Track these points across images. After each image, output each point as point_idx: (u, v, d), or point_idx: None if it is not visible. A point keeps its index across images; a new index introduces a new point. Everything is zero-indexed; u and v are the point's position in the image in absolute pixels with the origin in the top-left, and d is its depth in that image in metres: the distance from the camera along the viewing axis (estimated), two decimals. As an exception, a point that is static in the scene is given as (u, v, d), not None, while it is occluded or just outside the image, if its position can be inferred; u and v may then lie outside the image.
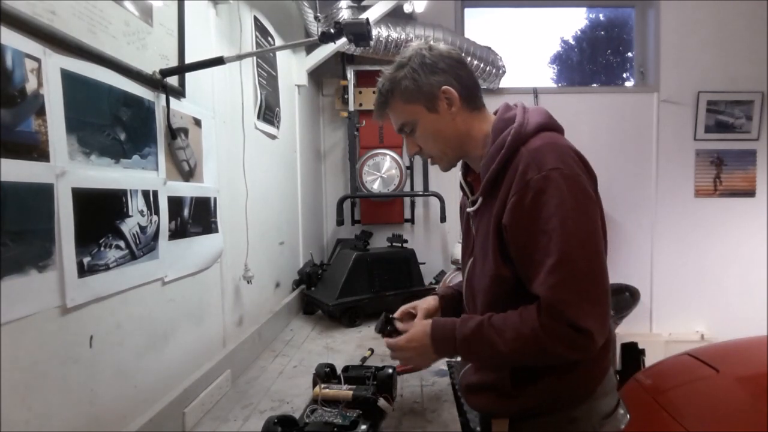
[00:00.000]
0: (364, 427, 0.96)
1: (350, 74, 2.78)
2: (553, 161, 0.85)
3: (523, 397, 0.94)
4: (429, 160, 1.06)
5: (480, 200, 0.98)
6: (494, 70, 2.80)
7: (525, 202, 0.85)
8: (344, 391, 1.08)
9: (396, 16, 2.49)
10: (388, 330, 1.08)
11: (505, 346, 0.86)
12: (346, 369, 1.21)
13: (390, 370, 1.14)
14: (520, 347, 0.86)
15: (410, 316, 1.14)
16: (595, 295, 0.83)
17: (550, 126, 0.95)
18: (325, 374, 1.16)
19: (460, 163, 1.11)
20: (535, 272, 0.84)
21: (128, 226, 0.93)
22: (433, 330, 0.98)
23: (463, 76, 0.99)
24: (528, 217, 0.85)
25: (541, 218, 0.83)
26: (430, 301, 1.17)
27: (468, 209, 1.04)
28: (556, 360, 0.88)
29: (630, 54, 3.37)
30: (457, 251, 2.66)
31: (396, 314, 1.14)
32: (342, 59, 2.77)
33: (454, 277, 2.59)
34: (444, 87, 0.96)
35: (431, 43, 1.01)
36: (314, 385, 1.13)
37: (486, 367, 1.00)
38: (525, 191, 0.85)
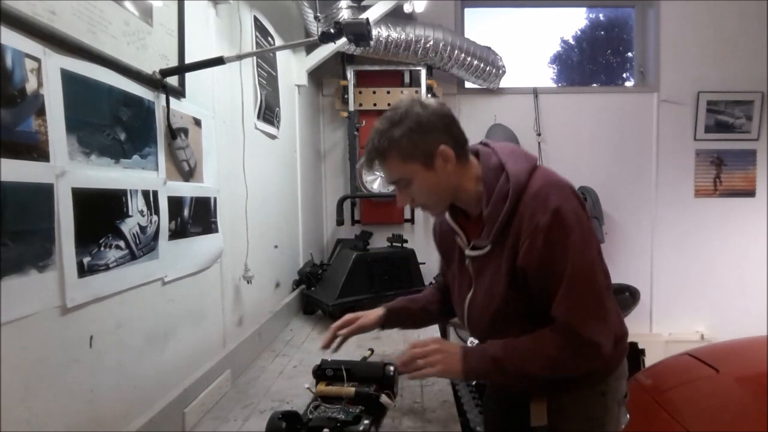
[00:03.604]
0: (366, 422, 0.96)
1: (350, 74, 2.78)
2: (555, 201, 0.95)
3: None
4: (420, 208, 1.13)
5: (488, 247, 1.04)
6: (494, 70, 2.80)
7: (537, 244, 0.95)
8: (347, 388, 1.08)
9: (396, 16, 2.49)
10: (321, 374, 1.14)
11: (531, 365, 0.98)
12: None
13: (391, 368, 1.14)
14: (544, 364, 0.97)
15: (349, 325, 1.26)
16: (602, 313, 0.96)
17: (532, 163, 1.04)
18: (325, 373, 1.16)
19: None
20: (552, 300, 0.96)
21: (128, 226, 0.93)
22: (462, 346, 1.07)
23: (456, 133, 1.04)
24: (541, 256, 0.95)
25: (553, 256, 0.94)
26: (374, 312, 1.28)
27: (467, 252, 1.09)
28: (571, 372, 1.00)
29: (630, 54, 3.37)
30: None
31: (339, 322, 1.26)
32: (342, 59, 2.77)
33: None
34: (441, 147, 1.00)
35: (422, 99, 1.06)
36: (317, 382, 1.14)
37: (510, 383, 1.06)
38: (536, 234, 0.94)
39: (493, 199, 1.01)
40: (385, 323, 1.29)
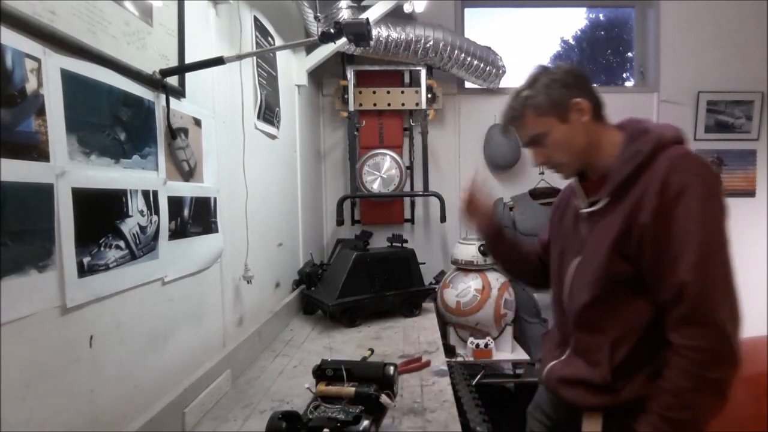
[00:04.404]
0: (366, 422, 0.96)
1: (350, 74, 2.78)
2: (695, 167, 0.91)
3: (624, 390, 0.96)
4: (554, 169, 1.11)
5: (606, 200, 1.01)
6: (494, 70, 2.80)
7: (666, 202, 0.90)
8: (347, 388, 1.08)
9: (396, 16, 2.49)
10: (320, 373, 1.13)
11: (682, 410, 0.88)
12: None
13: (391, 368, 1.14)
14: (687, 394, 0.88)
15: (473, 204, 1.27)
16: (730, 291, 0.92)
17: (684, 140, 1.00)
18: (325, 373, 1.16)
19: None
20: (673, 268, 0.90)
21: (128, 226, 0.93)
22: None
23: (589, 88, 1.06)
24: (669, 216, 0.90)
25: (682, 219, 0.89)
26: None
27: (582, 210, 1.08)
28: (719, 376, 0.88)
29: (630, 54, 3.37)
30: (458, 251, 2.66)
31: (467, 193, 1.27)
32: (342, 59, 2.77)
33: (455, 278, 2.59)
34: (575, 99, 1.02)
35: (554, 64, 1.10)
36: (317, 382, 1.14)
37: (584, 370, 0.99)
38: (666, 192, 0.90)
39: (625, 153, 0.98)
40: (497, 231, 1.30)
